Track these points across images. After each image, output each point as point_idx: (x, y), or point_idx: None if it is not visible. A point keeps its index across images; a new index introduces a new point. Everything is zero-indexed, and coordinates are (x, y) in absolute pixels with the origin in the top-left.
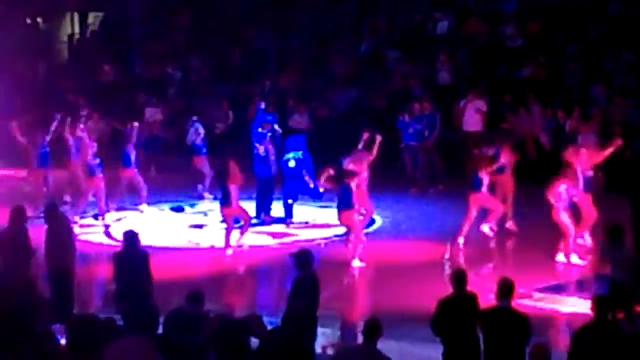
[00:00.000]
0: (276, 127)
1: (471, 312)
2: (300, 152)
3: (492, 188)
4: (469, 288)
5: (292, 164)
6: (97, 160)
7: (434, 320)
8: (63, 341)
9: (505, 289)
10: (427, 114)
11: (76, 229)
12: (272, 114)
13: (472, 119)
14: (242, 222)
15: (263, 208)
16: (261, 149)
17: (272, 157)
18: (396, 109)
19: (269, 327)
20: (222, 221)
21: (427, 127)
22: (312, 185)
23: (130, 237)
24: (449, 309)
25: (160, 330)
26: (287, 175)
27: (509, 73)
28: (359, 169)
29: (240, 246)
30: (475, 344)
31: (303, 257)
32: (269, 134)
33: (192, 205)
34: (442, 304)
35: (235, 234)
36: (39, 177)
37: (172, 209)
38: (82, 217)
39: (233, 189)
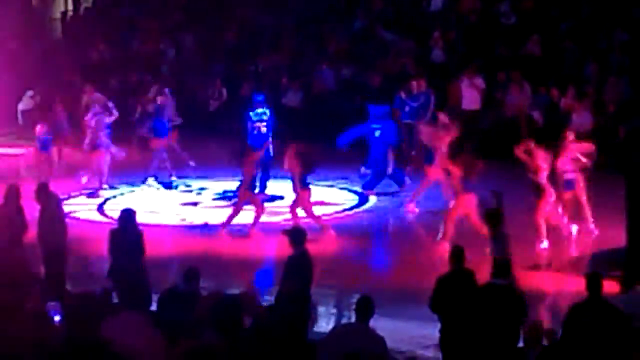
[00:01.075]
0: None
1: (468, 289)
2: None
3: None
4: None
5: (377, 133)
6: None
7: (432, 297)
8: (57, 318)
9: (502, 267)
10: (423, 92)
11: (68, 207)
12: (263, 93)
13: (471, 96)
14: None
15: (260, 186)
16: (263, 128)
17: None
18: (390, 86)
19: (263, 305)
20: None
21: (424, 106)
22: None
23: (127, 214)
24: (446, 285)
25: (155, 308)
26: (372, 145)
27: (502, 51)
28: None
29: (251, 232)
30: (473, 321)
31: (296, 235)
32: (267, 111)
33: (186, 183)
34: (440, 281)
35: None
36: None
37: (164, 185)
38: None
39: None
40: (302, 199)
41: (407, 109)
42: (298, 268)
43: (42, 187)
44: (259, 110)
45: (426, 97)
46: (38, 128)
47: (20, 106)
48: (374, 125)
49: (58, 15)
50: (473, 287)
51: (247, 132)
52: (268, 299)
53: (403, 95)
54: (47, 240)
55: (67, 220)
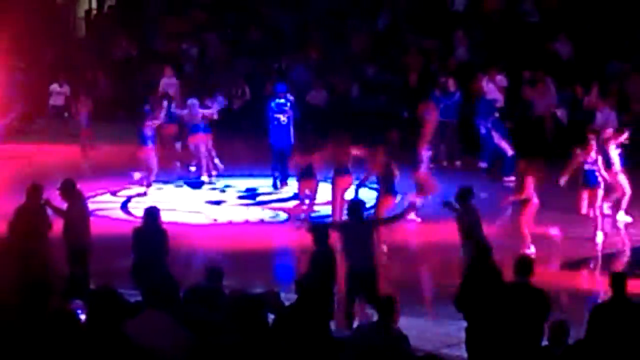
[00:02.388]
0: (289, 96)
1: (496, 288)
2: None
3: None
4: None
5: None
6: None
7: (457, 295)
8: (83, 317)
9: (524, 266)
10: (457, 91)
11: (92, 205)
12: (285, 84)
13: (492, 94)
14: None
15: (281, 177)
16: (283, 118)
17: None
18: (416, 85)
19: (287, 303)
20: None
21: (457, 104)
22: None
23: (152, 212)
24: (472, 283)
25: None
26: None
27: (526, 49)
28: None
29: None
30: (497, 319)
31: (320, 232)
32: (288, 104)
33: (210, 182)
34: (466, 279)
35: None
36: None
37: (189, 184)
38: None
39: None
40: (382, 204)
41: (441, 106)
42: (322, 266)
43: (68, 185)
44: (280, 101)
45: (457, 96)
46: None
47: (51, 101)
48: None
49: (82, 14)
50: (499, 285)
51: (269, 123)
52: (291, 297)
53: (438, 93)
54: (72, 238)
55: (91, 218)
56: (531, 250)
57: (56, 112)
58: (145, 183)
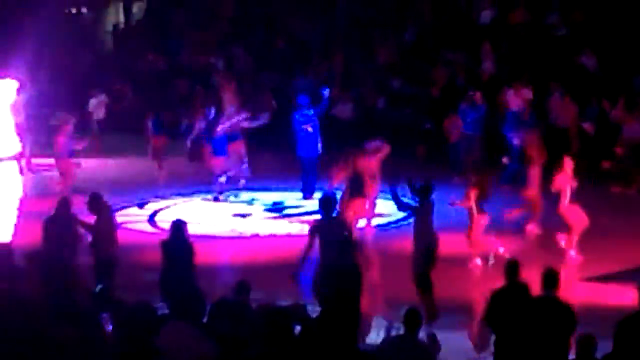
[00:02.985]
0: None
1: (522, 302)
2: None
3: None
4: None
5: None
6: None
7: (486, 311)
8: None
9: (550, 279)
10: (483, 104)
11: (120, 218)
12: (307, 95)
13: (517, 107)
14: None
15: (309, 189)
16: (309, 128)
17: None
18: (442, 98)
19: (313, 316)
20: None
21: (484, 117)
22: None
23: (178, 225)
24: (501, 299)
25: (205, 319)
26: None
27: (553, 62)
28: None
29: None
30: (525, 334)
31: (348, 246)
32: (311, 112)
33: (235, 195)
34: (494, 295)
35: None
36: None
37: (215, 198)
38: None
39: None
40: (477, 223)
41: (468, 119)
42: (348, 279)
43: (95, 198)
44: (305, 112)
45: (484, 109)
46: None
47: (95, 117)
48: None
49: (110, 27)
50: (527, 300)
51: (296, 134)
52: (318, 310)
53: (464, 106)
54: (99, 250)
55: (118, 230)
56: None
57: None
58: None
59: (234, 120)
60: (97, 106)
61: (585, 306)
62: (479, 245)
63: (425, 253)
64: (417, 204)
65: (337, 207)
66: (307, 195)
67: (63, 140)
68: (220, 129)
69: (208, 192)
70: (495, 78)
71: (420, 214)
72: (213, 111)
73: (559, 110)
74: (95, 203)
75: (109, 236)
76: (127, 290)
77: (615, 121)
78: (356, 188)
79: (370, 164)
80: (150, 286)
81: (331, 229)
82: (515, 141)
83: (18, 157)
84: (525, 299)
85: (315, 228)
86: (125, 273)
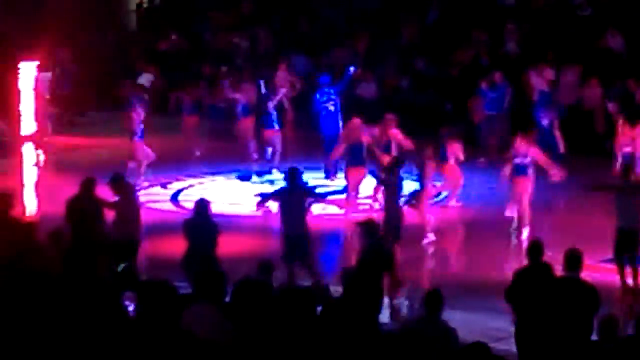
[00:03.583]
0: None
1: (546, 283)
2: None
3: None
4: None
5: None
6: None
7: (508, 288)
8: (131, 308)
9: (574, 260)
10: (503, 84)
11: (143, 198)
12: (327, 75)
13: (540, 88)
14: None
15: (332, 169)
16: (331, 107)
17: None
18: (465, 79)
19: (335, 296)
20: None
21: (503, 97)
22: None
23: (202, 205)
24: (524, 279)
25: (228, 299)
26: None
27: (578, 43)
28: None
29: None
30: (548, 314)
31: (370, 226)
32: (332, 91)
33: (259, 175)
34: (518, 274)
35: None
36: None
37: (240, 177)
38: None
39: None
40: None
41: (487, 99)
42: (371, 259)
43: (118, 178)
44: (326, 91)
45: (504, 89)
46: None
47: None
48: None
49: (134, 7)
50: (550, 280)
51: (318, 114)
52: (339, 290)
53: (484, 86)
54: (122, 231)
55: (141, 210)
56: (431, 237)
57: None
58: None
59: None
60: (145, 82)
61: (608, 287)
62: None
63: (391, 226)
64: (386, 178)
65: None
66: (330, 176)
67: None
68: (271, 104)
69: (235, 171)
70: (519, 59)
71: (389, 188)
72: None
73: (587, 92)
74: (118, 184)
75: (131, 217)
76: (150, 270)
77: None
78: (354, 157)
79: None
80: (172, 266)
81: (291, 198)
82: (545, 121)
83: (37, 136)
84: (548, 279)
85: (275, 193)
86: (148, 252)
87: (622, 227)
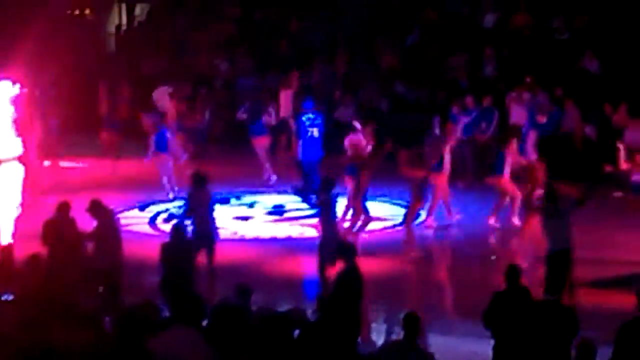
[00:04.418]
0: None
1: (524, 306)
2: None
3: None
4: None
5: None
6: None
7: (485, 312)
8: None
9: (553, 284)
10: (476, 108)
11: (122, 221)
12: (312, 100)
13: (518, 112)
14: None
15: (306, 191)
16: (315, 131)
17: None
18: (443, 102)
19: (312, 321)
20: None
21: (480, 121)
22: None
23: (179, 228)
24: (502, 302)
25: (205, 322)
26: None
27: (555, 66)
28: None
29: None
30: (526, 338)
31: (346, 249)
32: (317, 118)
33: (237, 197)
34: (496, 297)
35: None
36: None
37: (219, 201)
38: None
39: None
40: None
41: (460, 124)
42: (348, 283)
43: (96, 203)
44: (310, 116)
45: (486, 112)
46: None
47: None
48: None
49: (112, 29)
50: (528, 304)
51: (301, 137)
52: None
53: (455, 110)
54: (102, 256)
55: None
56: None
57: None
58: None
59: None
60: (161, 96)
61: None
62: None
63: (325, 246)
64: (319, 198)
65: None
66: (307, 199)
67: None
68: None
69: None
70: (496, 82)
71: (323, 208)
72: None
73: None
74: (96, 209)
75: (111, 241)
76: (129, 293)
77: (617, 125)
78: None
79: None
80: (152, 289)
81: (200, 198)
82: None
83: (22, 158)
84: (526, 303)
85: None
86: (127, 276)
87: (553, 249)
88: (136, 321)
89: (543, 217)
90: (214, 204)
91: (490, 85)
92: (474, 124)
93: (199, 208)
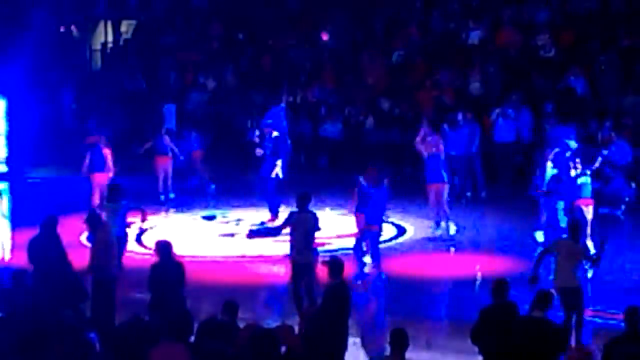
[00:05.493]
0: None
1: (510, 322)
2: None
3: None
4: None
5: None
6: None
7: (473, 328)
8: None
9: (541, 299)
10: (467, 125)
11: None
12: (274, 116)
13: (503, 128)
14: None
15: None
16: (273, 132)
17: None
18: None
19: (300, 337)
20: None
21: (466, 138)
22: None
23: (164, 247)
24: (489, 318)
25: (192, 339)
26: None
27: (541, 83)
28: None
29: None
30: (511, 354)
31: (335, 265)
32: (274, 134)
33: (223, 215)
34: (483, 313)
35: None
36: None
37: (204, 217)
38: None
39: None
40: None
41: (449, 140)
42: (335, 298)
43: (93, 216)
44: (269, 122)
45: (470, 129)
46: None
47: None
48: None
49: (98, 46)
50: (515, 320)
51: (263, 138)
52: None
53: (446, 127)
54: (96, 269)
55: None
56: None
57: None
58: None
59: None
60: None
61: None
62: None
63: (294, 264)
64: (292, 213)
65: None
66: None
67: None
68: None
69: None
70: (482, 99)
71: (292, 224)
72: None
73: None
74: (93, 221)
75: (106, 254)
76: (123, 308)
77: (603, 142)
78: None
79: None
80: (140, 305)
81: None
82: None
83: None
84: (513, 319)
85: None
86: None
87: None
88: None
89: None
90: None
91: (476, 102)
92: (462, 140)
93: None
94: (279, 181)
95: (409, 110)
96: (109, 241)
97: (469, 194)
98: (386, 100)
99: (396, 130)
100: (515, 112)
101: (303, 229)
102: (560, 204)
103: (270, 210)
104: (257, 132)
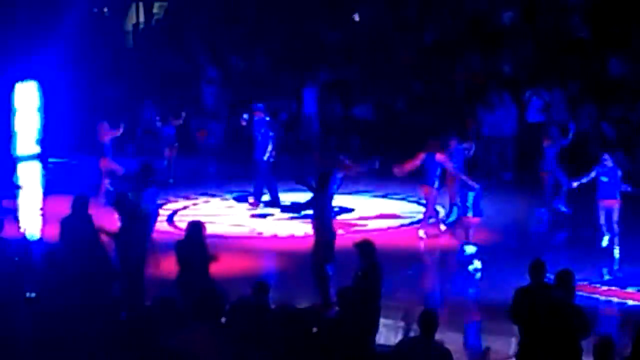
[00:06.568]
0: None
1: (547, 302)
2: None
3: None
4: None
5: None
6: None
7: (510, 309)
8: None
9: (564, 281)
10: (502, 106)
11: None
12: (262, 103)
13: (535, 109)
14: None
15: (259, 193)
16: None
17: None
18: (462, 100)
19: (331, 317)
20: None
21: (504, 119)
22: None
23: (195, 226)
24: (524, 298)
25: (223, 319)
26: None
27: (575, 64)
28: None
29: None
30: (552, 335)
31: (366, 247)
32: (267, 118)
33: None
34: (518, 293)
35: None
36: None
37: (236, 198)
38: None
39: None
40: None
41: (486, 122)
42: (367, 280)
43: (121, 199)
44: (257, 119)
45: (505, 110)
46: None
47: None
48: None
49: (130, 27)
50: (547, 301)
51: (254, 137)
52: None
53: (481, 109)
54: (126, 252)
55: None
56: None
57: None
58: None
59: None
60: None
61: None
62: None
63: (323, 244)
64: (316, 193)
65: None
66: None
67: None
68: None
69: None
70: (515, 80)
71: (319, 203)
72: None
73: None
74: (121, 205)
75: (135, 238)
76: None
77: (637, 123)
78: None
79: None
80: (170, 286)
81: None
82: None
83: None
84: (549, 299)
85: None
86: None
87: None
88: (155, 317)
89: None
90: None
91: (508, 83)
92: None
93: None
94: (270, 164)
95: (441, 91)
96: (137, 222)
97: (502, 175)
98: (418, 81)
99: (428, 112)
100: (548, 93)
101: (320, 208)
102: None
103: (255, 195)
104: (246, 116)
